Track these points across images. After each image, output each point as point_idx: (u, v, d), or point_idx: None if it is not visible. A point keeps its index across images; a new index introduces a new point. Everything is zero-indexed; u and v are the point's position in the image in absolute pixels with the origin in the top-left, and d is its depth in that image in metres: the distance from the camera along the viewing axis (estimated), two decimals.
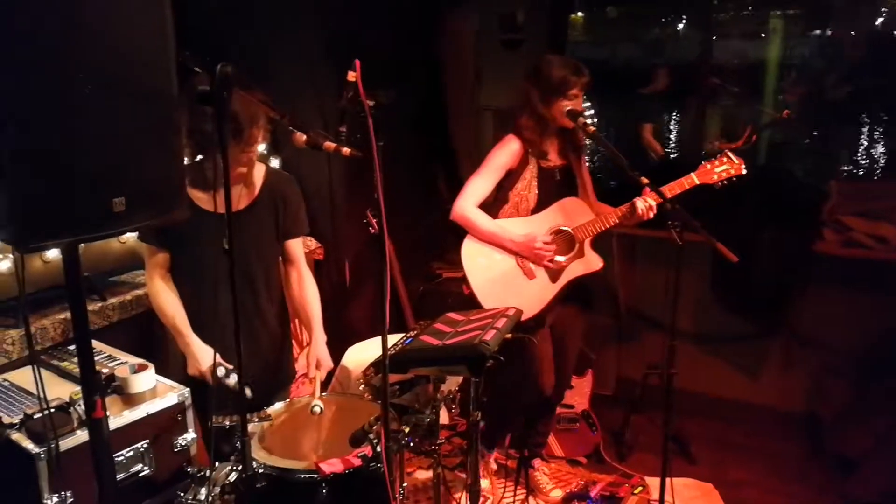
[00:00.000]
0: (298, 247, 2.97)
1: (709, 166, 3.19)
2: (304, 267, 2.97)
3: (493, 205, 3.36)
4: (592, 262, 3.38)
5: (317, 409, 2.49)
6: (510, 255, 3.30)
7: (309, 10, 3.99)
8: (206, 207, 2.61)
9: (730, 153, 3.18)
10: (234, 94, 2.19)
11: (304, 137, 2.18)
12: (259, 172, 2.79)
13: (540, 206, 3.33)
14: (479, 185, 3.30)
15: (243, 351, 1.95)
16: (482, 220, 3.28)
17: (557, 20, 4.66)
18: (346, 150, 2.12)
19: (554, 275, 3.32)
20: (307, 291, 2.94)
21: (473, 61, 4.46)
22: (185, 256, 2.71)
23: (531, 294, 3.29)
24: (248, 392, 2.30)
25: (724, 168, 3.17)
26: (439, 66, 4.66)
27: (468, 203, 3.27)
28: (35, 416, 2.21)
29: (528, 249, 3.26)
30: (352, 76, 1.92)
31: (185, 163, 2.33)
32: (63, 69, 1.44)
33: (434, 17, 4.55)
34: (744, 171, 3.17)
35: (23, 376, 2.65)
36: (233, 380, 2.39)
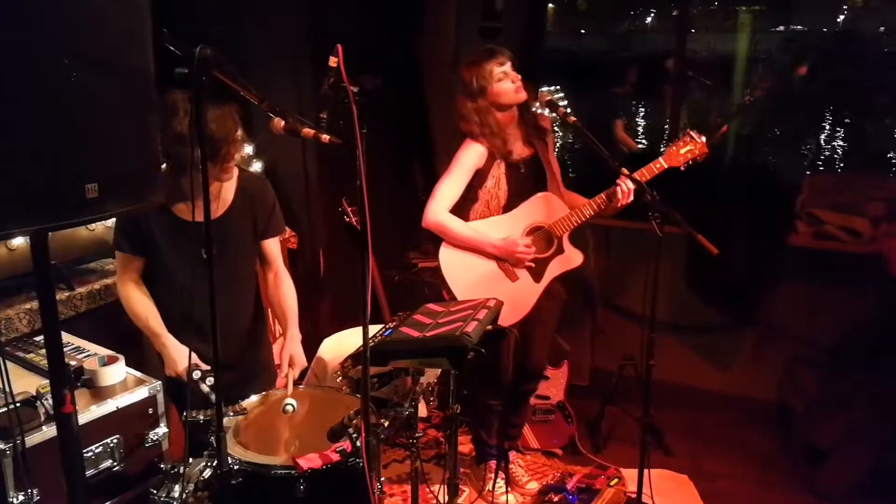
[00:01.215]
0: (275, 247, 2.93)
1: (674, 148, 3.15)
2: (281, 267, 2.94)
3: (463, 204, 3.27)
4: (574, 257, 3.34)
5: (289, 409, 2.44)
6: (489, 259, 3.24)
7: None
8: (184, 217, 2.60)
9: (692, 133, 3.14)
10: (211, 114, 2.24)
11: (283, 123, 2.11)
12: (233, 175, 2.76)
13: (511, 201, 3.28)
14: (449, 188, 3.23)
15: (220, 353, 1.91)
16: (457, 226, 3.21)
17: (535, 10, 4.62)
18: (325, 137, 2.05)
19: (536, 274, 3.28)
20: (284, 292, 2.91)
21: (452, 49, 4.40)
22: (162, 265, 2.66)
23: (516, 296, 3.25)
24: (206, 388, 2.28)
25: (688, 149, 3.12)
26: (416, 54, 4.60)
27: (440, 208, 3.20)
28: (0, 411, 2.14)
29: (509, 254, 3.21)
30: (333, 61, 1.87)
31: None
32: (31, 46, 1.36)
33: (414, 3, 4.49)
34: (707, 151, 3.13)
35: None
36: (209, 383, 2.34)
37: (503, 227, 3.25)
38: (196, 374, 2.34)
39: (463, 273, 3.22)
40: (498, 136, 3.19)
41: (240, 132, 2.54)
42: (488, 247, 3.21)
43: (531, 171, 3.32)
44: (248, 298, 2.89)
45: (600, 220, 3.27)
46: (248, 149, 3.85)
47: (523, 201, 3.28)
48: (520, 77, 3.18)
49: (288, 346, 2.78)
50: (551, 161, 3.38)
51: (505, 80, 3.15)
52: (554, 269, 3.31)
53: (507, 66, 3.17)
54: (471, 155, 3.21)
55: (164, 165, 2.57)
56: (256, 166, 3.92)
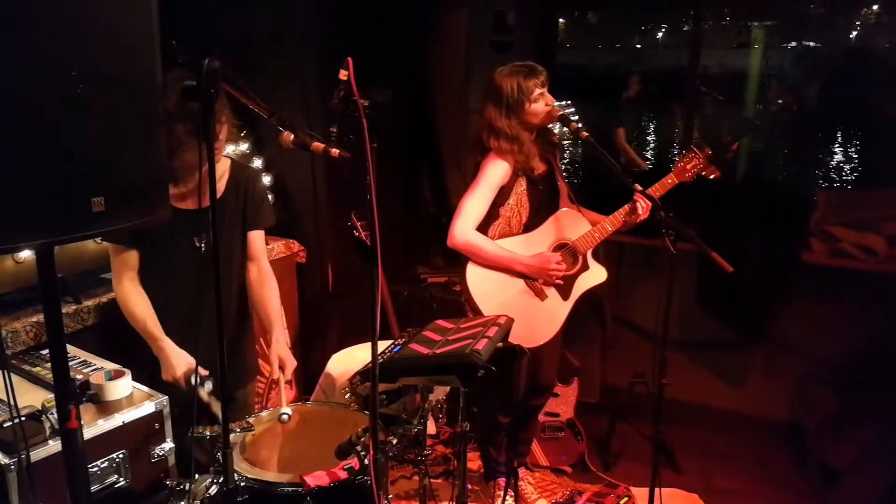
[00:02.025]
0: (260, 240, 2.88)
1: (681, 164, 3.21)
2: (264, 262, 2.89)
3: (483, 222, 3.21)
4: (599, 273, 3.32)
5: (284, 417, 2.42)
6: (516, 277, 3.21)
7: (294, 8, 3.92)
8: (174, 204, 2.53)
9: (695, 148, 3.20)
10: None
11: (292, 137, 2.10)
12: (224, 165, 2.74)
13: (532, 219, 3.25)
14: (475, 206, 3.17)
15: (206, 345, 1.87)
16: (487, 245, 3.16)
17: (546, 24, 4.61)
18: (334, 151, 2.04)
19: (565, 292, 3.25)
20: (268, 291, 2.86)
21: (463, 63, 4.39)
22: (151, 253, 2.63)
23: (546, 315, 3.23)
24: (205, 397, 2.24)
25: (693, 164, 3.19)
26: (426, 67, 4.60)
27: (468, 227, 3.14)
28: (5, 425, 2.12)
29: (541, 271, 3.17)
30: (343, 75, 1.85)
31: None
32: (38, 62, 1.35)
33: (424, 17, 4.49)
34: (717, 171, 3.19)
35: None
36: (207, 388, 2.31)
37: (529, 246, 3.22)
38: (195, 380, 2.30)
39: (493, 293, 3.17)
40: (523, 153, 3.15)
41: (227, 114, 2.50)
42: (518, 265, 3.17)
43: (548, 188, 3.30)
44: (235, 291, 2.84)
45: (613, 236, 3.25)
46: (257, 162, 3.84)
47: (542, 218, 3.25)
48: (554, 101, 3.15)
49: (275, 349, 2.72)
50: (561, 175, 3.37)
51: (541, 101, 3.12)
52: (581, 286, 3.28)
53: (545, 88, 3.14)
54: (496, 171, 3.16)
55: None
56: (266, 180, 3.90)
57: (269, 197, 2.89)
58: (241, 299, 2.88)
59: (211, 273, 1.81)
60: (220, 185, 2.70)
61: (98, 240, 3.11)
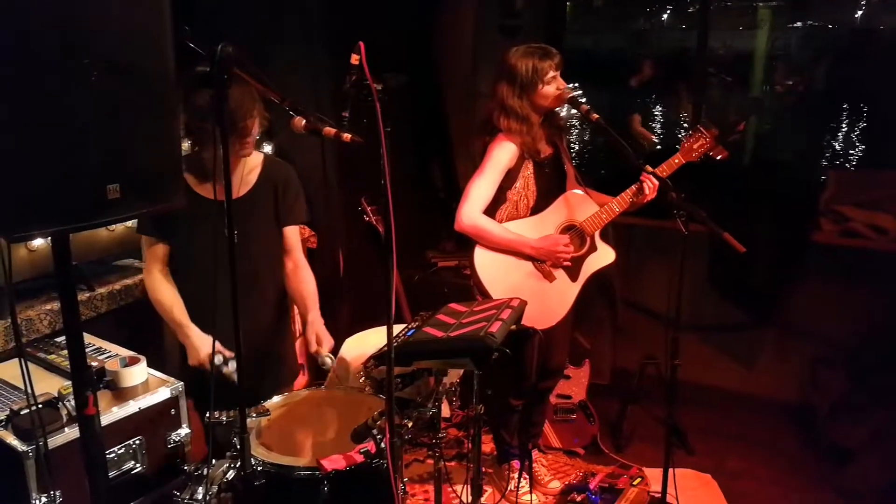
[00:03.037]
0: (295, 235, 2.91)
1: (687, 143, 3.18)
2: (300, 255, 2.92)
3: (490, 206, 3.20)
4: (607, 254, 3.30)
5: (328, 361, 2.56)
6: (524, 260, 3.20)
7: None
8: (203, 194, 2.59)
9: (702, 127, 3.17)
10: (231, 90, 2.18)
11: (304, 122, 2.09)
12: (257, 159, 2.77)
13: (539, 202, 3.24)
14: (482, 189, 3.15)
15: (242, 338, 1.89)
16: (495, 228, 3.15)
17: (555, 8, 4.59)
18: (346, 136, 2.04)
19: (573, 273, 3.24)
20: (303, 278, 2.89)
21: (471, 47, 4.37)
22: (182, 244, 2.65)
23: (555, 297, 3.22)
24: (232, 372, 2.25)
25: (700, 143, 3.17)
26: (434, 51, 4.58)
27: (475, 211, 3.13)
28: (22, 412, 2.13)
29: (549, 253, 3.16)
30: (355, 59, 1.85)
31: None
32: (53, 49, 1.35)
33: (433, 1, 4.46)
34: (726, 152, 3.18)
35: (8, 370, 2.56)
36: (231, 367, 2.33)
37: (535, 229, 3.20)
38: (218, 360, 2.33)
39: (501, 276, 3.16)
40: (531, 135, 3.13)
41: (259, 108, 2.53)
42: (526, 248, 3.16)
43: (554, 171, 3.29)
44: (270, 286, 2.86)
45: (622, 217, 3.24)
46: (267, 148, 3.84)
47: (550, 201, 3.23)
48: (565, 84, 3.14)
49: (312, 325, 2.75)
50: (567, 158, 3.35)
51: (553, 84, 3.10)
52: (589, 268, 3.27)
53: (558, 71, 3.13)
54: (504, 154, 3.14)
55: (186, 143, 2.58)
56: None
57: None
58: (277, 296, 2.90)
59: (227, 260, 1.81)
60: (252, 178, 2.73)
61: (110, 228, 3.12)
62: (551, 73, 3.09)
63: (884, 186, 4.36)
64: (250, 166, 2.73)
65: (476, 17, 4.36)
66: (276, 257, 2.87)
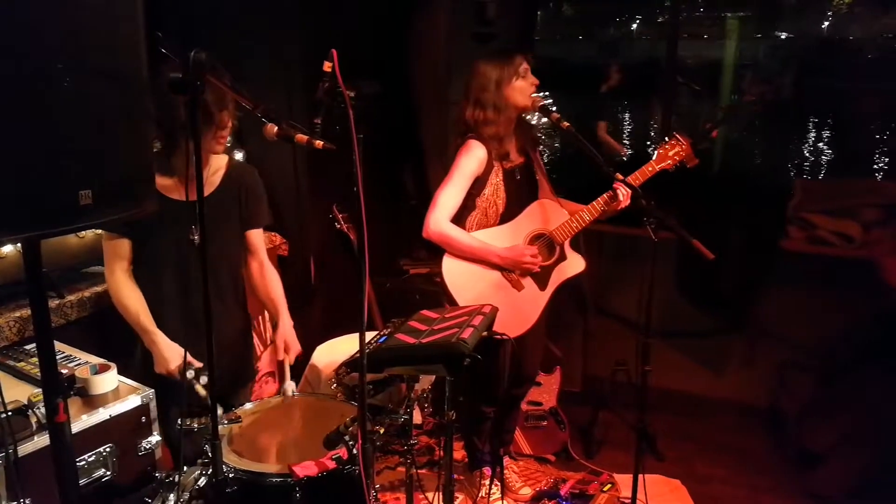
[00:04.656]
0: (259, 237, 2.91)
1: (662, 150, 3.20)
2: (264, 257, 2.93)
3: (460, 213, 3.21)
4: (576, 263, 3.33)
5: (290, 392, 2.45)
6: (492, 269, 3.21)
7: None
8: (168, 195, 2.57)
9: (678, 135, 3.20)
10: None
11: (276, 129, 2.09)
12: (221, 161, 2.76)
13: (508, 210, 3.25)
14: (450, 197, 3.16)
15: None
16: (462, 236, 3.16)
17: (526, 16, 4.62)
18: (318, 143, 2.04)
19: (542, 282, 3.26)
20: (270, 280, 2.90)
21: (445, 54, 4.39)
22: (145, 245, 2.62)
23: (524, 306, 3.23)
24: (202, 391, 2.25)
25: (675, 150, 3.18)
26: (407, 59, 4.59)
27: (443, 218, 3.13)
28: None
29: (515, 263, 3.18)
30: (328, 66, 1.86)
31: None
32: (25, 54, 1.34)
33: (406, 8, 4.48)
34: (696, 159, 3.19)
35: None
36: (202, 381, 2.32)
37: (505, 237, 3.22)
38: (189, 374, 2.31)
39: (469, 284, 3.17)
40: (500, 132, 3.16)
41: (231, 102, 2.50)
42: (493, 257, 3.17)
43: (525, 179, 3.31)
44: (229, 288, 2.83)
45: (593, 225, 3.27)
46: (239, 155, 3.83)
47: (520, 209, 3.25)
48: (538, 81, 3.17)
49: (282, 332, 2.77)
50: (542, 168, 3.38)
51: (528, 79, 3.14)
52: (558, 277, 3.29)
53: (530, 68, 3.16)
54: (471, 160, 3.16)
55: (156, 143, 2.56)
56: None
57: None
58: (236, 298, 2.88)
59: (200, 265, 1.81)
60: (216, 179, 2.71)
61: (80, 235, 3.10)
62: (524, 66, 3.13)
63: (849, 195, 4.44)
64: (214, 168, 2.72)
65: (449, 25, 4.38)
66: (234, 259, 2.86)
